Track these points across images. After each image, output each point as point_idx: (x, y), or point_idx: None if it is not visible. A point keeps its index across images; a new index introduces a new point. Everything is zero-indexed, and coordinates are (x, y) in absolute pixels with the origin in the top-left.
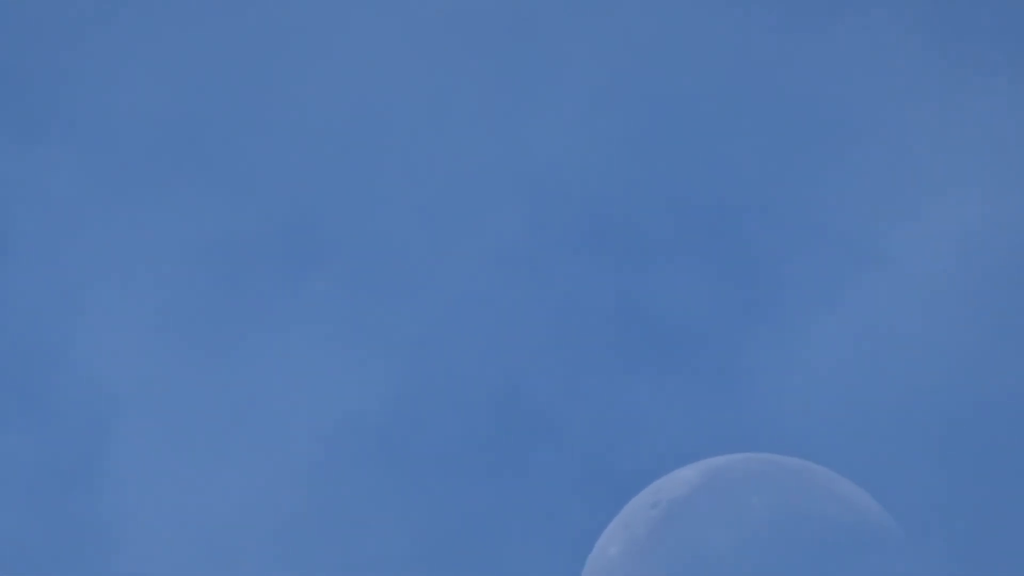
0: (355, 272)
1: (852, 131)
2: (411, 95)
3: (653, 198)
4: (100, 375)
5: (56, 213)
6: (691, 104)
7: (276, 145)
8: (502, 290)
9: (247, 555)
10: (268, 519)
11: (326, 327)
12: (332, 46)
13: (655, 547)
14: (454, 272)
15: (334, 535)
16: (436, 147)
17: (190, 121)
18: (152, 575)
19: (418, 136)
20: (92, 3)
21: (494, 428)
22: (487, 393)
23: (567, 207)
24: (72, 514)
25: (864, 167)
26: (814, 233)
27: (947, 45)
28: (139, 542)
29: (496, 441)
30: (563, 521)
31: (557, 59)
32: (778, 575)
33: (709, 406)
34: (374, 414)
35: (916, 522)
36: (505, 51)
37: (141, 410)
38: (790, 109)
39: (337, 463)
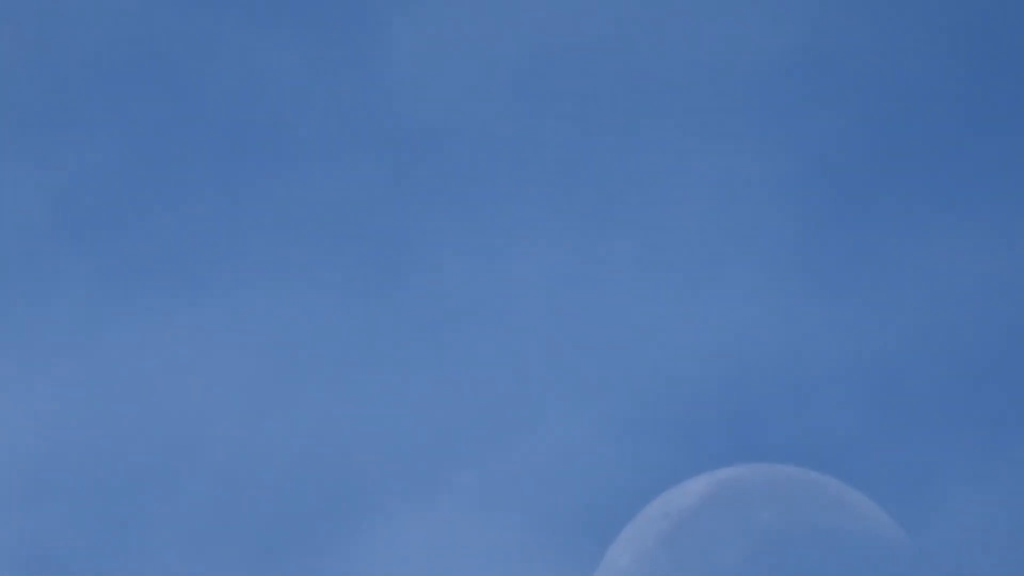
0: None
1: None
2: None
3: None
4: None
5: None
6: None
7: None
8: None
9: None
10: None
11: None
12: None
13: (665, 557)
14: None
15: None
16: None
17: None
18: None
19: None
20: None
21: (130, 92)
22: (122, 58)
23: None
24: None
25: None
26: None
27: None
28: None
29: (131, 105)
30: (197, 194)
31: None
32: None
33: (349, 71)
34: None
35: None
36: None
37: None
38: None
39: None
